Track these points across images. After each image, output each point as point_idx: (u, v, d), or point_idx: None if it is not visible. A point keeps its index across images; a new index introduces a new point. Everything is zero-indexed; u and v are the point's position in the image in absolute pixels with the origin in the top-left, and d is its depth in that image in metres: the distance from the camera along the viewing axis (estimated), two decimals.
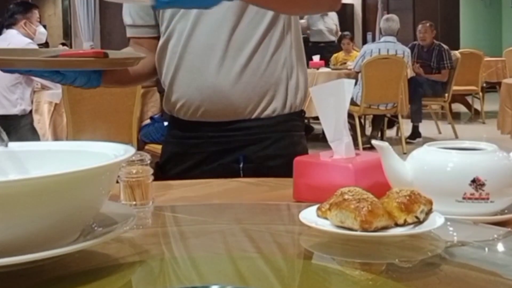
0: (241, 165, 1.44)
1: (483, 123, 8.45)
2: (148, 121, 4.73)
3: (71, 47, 11.01)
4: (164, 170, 1.50)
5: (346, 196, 0.87)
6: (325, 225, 0.88)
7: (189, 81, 1.44)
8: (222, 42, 1.41)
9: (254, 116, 1.44)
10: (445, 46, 7.52)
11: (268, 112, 1.45)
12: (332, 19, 9.25)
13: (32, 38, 4.49)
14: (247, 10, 1.41)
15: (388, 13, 10.64)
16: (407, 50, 6.90)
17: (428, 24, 7.62)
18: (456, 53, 7.69)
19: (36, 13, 4.60)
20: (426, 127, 7.41)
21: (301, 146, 1.50)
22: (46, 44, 5.28)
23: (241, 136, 1.45)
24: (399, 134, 6.89)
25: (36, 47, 4.44)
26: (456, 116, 8.34)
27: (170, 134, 1.58)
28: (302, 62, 1.50)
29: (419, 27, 7.68)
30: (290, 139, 1.49)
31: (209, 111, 1.43)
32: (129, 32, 1.55)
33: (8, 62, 1.23)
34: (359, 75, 6.32)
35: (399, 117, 6.61)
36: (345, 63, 7.90)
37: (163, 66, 1.49)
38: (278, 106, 1.45)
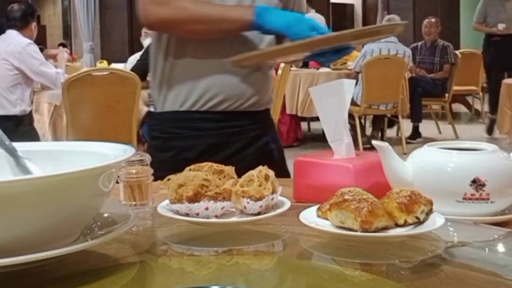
0: (273, 146, 1.67)
1: (484, 123, 8.45)
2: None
3: (71, 47, 11.01)
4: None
5: (346, 197, 0.87)
6: (325, 225, 0.88)
7: (216, 75, 1.55)
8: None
9: (264, 107, 1.64)
10: (449, 43, 7.54)
11: (268, 105, 1.68)
12: None
13: (32, 38, 4.49)
14: None
15: (388, 13, 10.64)
16: (408, 51, 6.89)
17: (433, 20, 7.66)
18: (455, 52, 7.69)
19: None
20: (426, 127, 7.41)
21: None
22: (44, 45, 5.27)
23: (264, 123, 1.66)
24: (399, 134, 6.89)
25: (36, 47, 4.44)
26: (456, 116, 8.33)
27: (194, 128, 1.59)
28: None
29: (425, 22, 7.70)
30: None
31: (234, 102, 1.57)
32: None
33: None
34: (360, 75, 6.32)
35: (399, 117, 6.61)
36: (345, 63, 7.89)
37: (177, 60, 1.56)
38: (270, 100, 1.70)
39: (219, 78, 1.54)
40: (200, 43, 1.53)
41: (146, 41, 5.54)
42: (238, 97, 1.56)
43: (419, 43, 7.72)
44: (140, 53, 5.27)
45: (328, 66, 7.26)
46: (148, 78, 4.89)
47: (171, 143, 1.60)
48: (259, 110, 1.63)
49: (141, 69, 4.64)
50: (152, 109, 1.69)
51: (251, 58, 1.46)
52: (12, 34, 4.39)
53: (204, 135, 1.58)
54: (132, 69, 4.64)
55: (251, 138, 1.62)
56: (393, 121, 7.16)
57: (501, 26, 7.66)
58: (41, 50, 4.70)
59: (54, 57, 5.07)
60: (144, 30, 6.02)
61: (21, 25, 4.41)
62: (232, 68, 1.52)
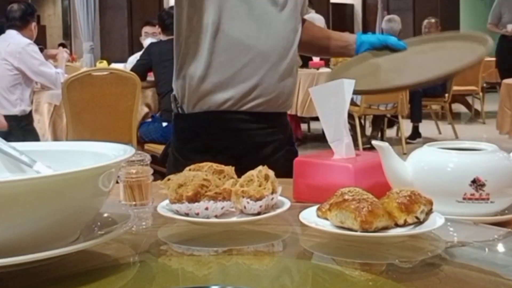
0: (296, 149, 1.71)
1: (483, 123, 8.44)
2: (149, 119, 4.75)
3: (70, 47, 11.01)
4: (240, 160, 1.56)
5: (346, 197, 0.87)
6: (325, 225, 0.88)
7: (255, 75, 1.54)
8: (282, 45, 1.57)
9: (289, 109, 1.67)
10: None
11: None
12: None
13: (31, 38, 4.48)
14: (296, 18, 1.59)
15: (388, 13, 10.65)
16: None
17: (433, 20, 7.67)
18: None
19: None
20: (426, 127, 7.41)
21: None
22: (44, 45, 5.27)
23: (288, 125, 1.70)
24: (399, 134, 6.88)
25: (36, 47, 4.44)
26: (456, 116, 8.33)
27: (233, 128, 1.57)
28: None
29: (425, 22, 7.71)
30: None
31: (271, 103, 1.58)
32: None
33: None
34: None
35: (399, 117, 6.61)
36: None
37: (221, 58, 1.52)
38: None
39: (261, 81, 1.54)
40: (239, 46, 1.52)
41: (146, 41, 5.54)
42: (276, 99, 1.57)
43: None
44: (140, 53, 5.26)
45: (328, 66, 7.26)
46: (149, 78, 4.91)
47: (211, 143, 1.58)
48: (285, 112, 1.66)
49: (141, 69, 4.65)
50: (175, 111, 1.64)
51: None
52: (12, 34, 4.39)
53: (244, 134, 1.57)
54: (132, 69, 4.64)
55: (281, 141, 1.64)
56: (393, 121, 7.15)
57: (509, 27, 7.51)
58: (41, 50, 4.70)
59: (54, 57, 5.07)
60: (144, 30, 6.01)
61: (20, 25, 4.41)
62: (270, 72, 1.54)
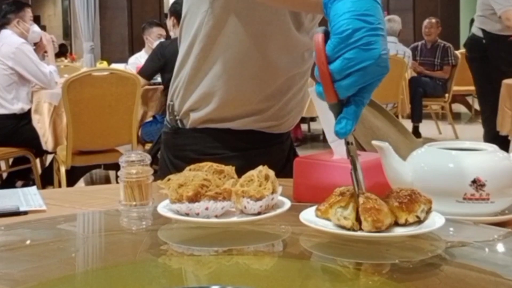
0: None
1: None
2: (150, 118, 4.74)
3: (71, 47, 11.01)
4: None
5: (345, 194, 0.87)
6: (325, 225, 0.87)
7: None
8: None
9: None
10: (449, 44, 7.56)
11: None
12: None
13: (25, 38, 4.48)
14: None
15: (388, 13, 10.65)
16: (408, 51, 6.91)
17: (434, 20, 7.71)
18: (456, 53, 7.70)
19: (29, 12, 4.56)
20: (426, 127, 7.41)
21: None
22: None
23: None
24: None
25: (30, 47, 4.44)
26: (456, 116, 8.32)
27: (238, 148, 1.40)
28: None
29: (425, 22, 7.74)
30: None
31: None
32: None
33: None
34: None
35: (400, 117, 6.61)
36: None
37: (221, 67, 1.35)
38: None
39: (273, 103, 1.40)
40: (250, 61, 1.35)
41: (156, 43, 5.46)
42: (285, 120, 1.47)
43: (419, 43, 7.74)
44: (141, 53, 5.25)
45: None
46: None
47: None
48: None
49: (152, 72, 4.65)
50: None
51: None
52: (6, 34, 4.40)
53: (255, 155, 1.40)
54: (141, 72, 4.60)
55: (288, 155, 1.55)
56: None
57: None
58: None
59: (45, 50, 5.00)
60: (158, 32, 5.80)
61: (2, 23, 4.41)
62: (277, 93, 1.40)
